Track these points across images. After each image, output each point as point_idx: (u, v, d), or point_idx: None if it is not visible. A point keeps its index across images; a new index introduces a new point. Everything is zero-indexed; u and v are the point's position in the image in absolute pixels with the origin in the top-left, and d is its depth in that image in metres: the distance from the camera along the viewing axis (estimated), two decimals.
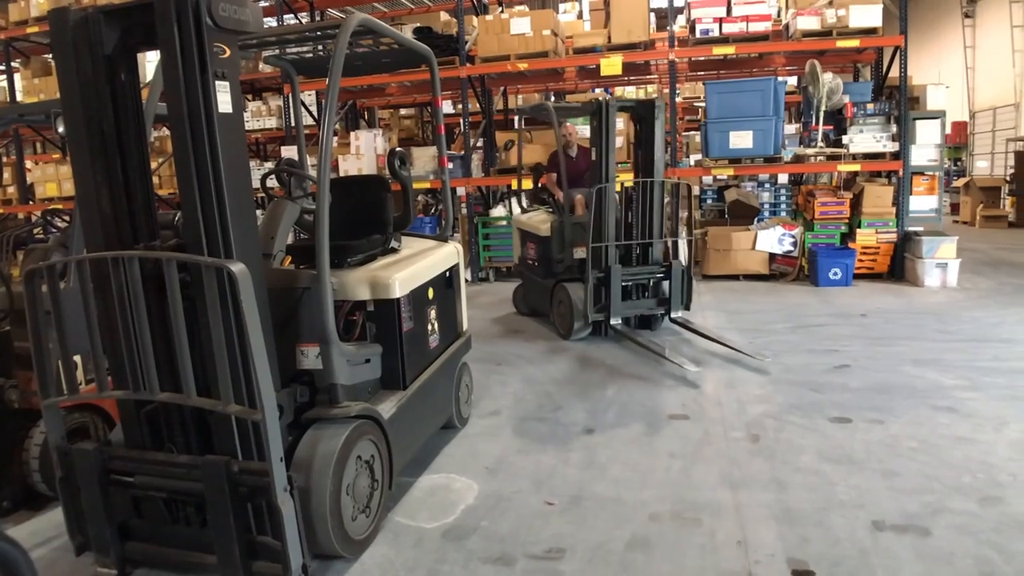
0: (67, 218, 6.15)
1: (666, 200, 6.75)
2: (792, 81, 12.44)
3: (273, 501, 2.52)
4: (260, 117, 12.08)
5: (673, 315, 6.37)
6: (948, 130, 13.79)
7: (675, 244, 6.73)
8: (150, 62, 9.72)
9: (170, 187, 10.93)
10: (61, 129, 3.31)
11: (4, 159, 13.15)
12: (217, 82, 2.53)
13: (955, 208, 15.81)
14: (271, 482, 2.50)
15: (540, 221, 7.10)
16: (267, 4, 11.74)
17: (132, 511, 2.88)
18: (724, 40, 8.85)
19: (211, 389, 2.61)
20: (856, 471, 3.65)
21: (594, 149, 6.56)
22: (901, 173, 8.63)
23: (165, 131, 10.05)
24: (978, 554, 2.88)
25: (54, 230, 6.40)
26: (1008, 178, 15.33)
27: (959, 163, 18.81)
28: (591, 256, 6.33)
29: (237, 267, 2.41)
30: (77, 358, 3.47)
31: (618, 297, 6.22)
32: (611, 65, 9.13)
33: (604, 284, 6.28)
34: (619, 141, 8.43)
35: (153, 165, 9.02)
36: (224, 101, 2.56)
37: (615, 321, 6.24)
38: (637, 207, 6.52)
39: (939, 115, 8.84)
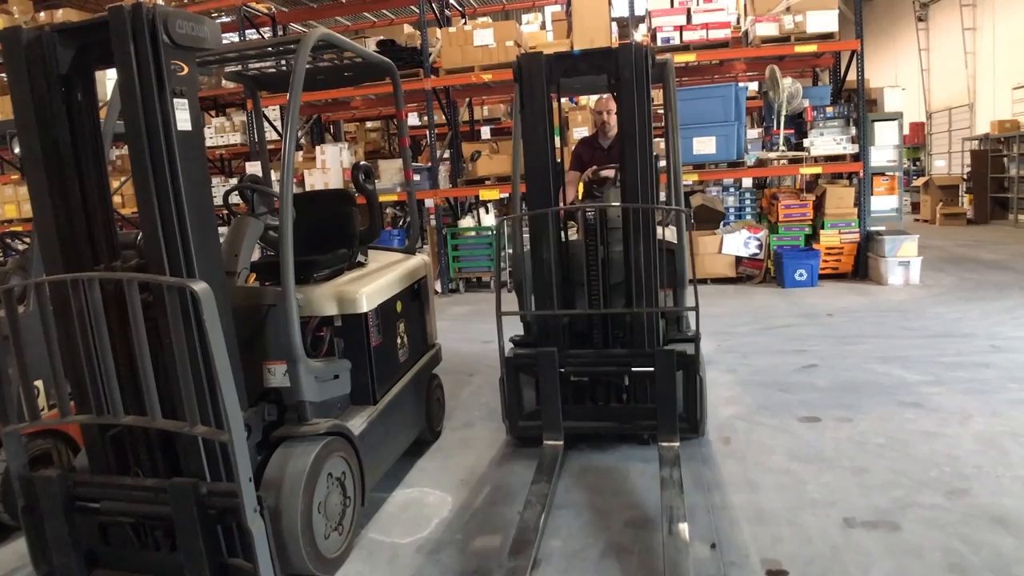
0: (27, 240, 6.03)
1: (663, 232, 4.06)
2: (753, 87, 12.62)
3: (243, 522, 2.48)
4: (224, 133, 11.98)
5: (662, 443, 3.67)
6: (906, 131, 14.12)
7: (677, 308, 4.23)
8: (110, 79, 9.60)
9: (133, 206, 10.79)
10: (18, 150, 3.25)
11: None
12: (175, 100, 2.50)
13: (915, 207, 16.19)
14: (241, 503, 2.46)
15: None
16: (229, 19, 11.67)
17: (99, 538, 2.82)
18: (685, 48, 8.97)
19: (177, 410, 2.57)
20: (826, 469, 3.70)
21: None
22: (862, 174, 8.81)
23: (127, 149, 9.91)
24: (947, 546, 2.93)
25: (13, 253, 6.27)
26: (965, 176, 15.73)
27: (918, 163, 19.24)
28: (535, 325, 4.12)
29: (199, 286, 2.37)
30: (38, 383, 3.40)
31: (554, 402, 3.79)
32: None
33: (535, 376, 3.86)
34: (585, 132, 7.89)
35: (115, 184, 8.90)
36: (183, 119, 2.54)
37: (550, 441, 3.82)
38: (601, 248, 3.96)
39: (896, 117, 9.04)
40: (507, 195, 11.37)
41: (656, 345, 3.81)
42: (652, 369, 3.69)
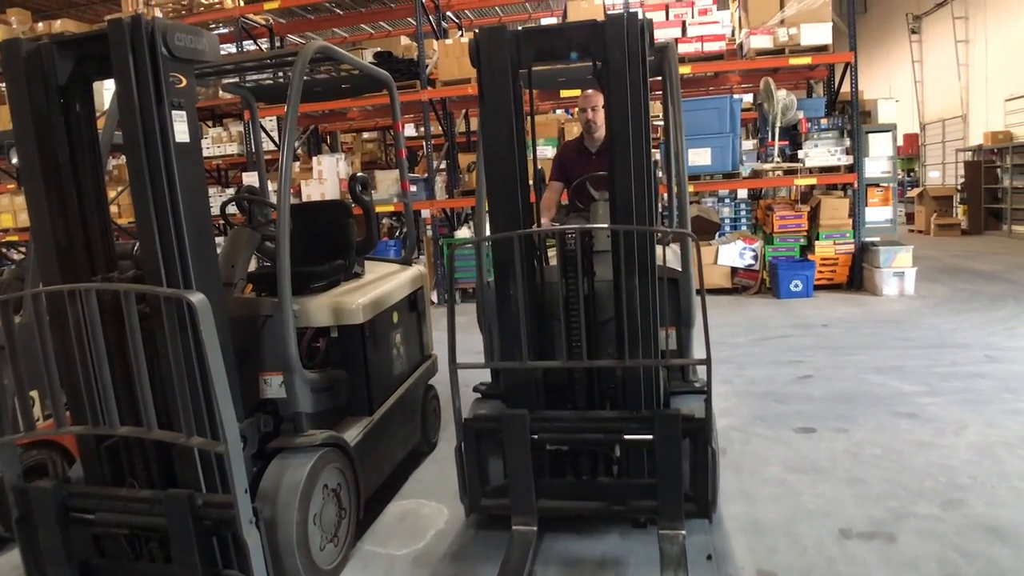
0: (23, 250, 6.02)
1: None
2: (747, 98, 12.70)
3: (239, 534, 2.47)
4: (221, 143, 11.98)
5: (663, 531, 2.91)
6: (900, 142, 14.17)
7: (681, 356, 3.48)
8: (108, 90, 9.62)
9: (129, 215, 10.78)
10: (15, 160, 3.26)
11: None
12: (173, 112, 2.51)
13: (910, 217, 16.26)
14: (236, 515, 2.46)
15: None
16: (226, 31, 11.70)
17: (93, 549, 2.81)
18: (680, 60, 9.01)
19: (173, 422, 2.57)
20: (822, 480, 3.70)
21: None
22: (856, 185, 8.85)
23: (124, 159, 9.92)
24: (942, 557, 2.93)
25: (10, 263, 6.28)
26: (959, 187, 15.81)
27: (912, 174, 19.31)
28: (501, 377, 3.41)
29: (196, 297, 2.38)
30: (34, 393, 3.40)
31: (525, 477, 2.99)
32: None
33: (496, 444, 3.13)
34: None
35: (112, 194, 8.91)
36: (181, 130, 2.55)
37: (520, 527, 3.04)
38: (584, 280, 3.06)
39: (890, 128, 9.09)
40: None
41: (656, 404, 3.02)
42: (651, 437, 2.91)
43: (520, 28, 3.04)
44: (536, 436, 2.98)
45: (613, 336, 3.08)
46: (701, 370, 3.04)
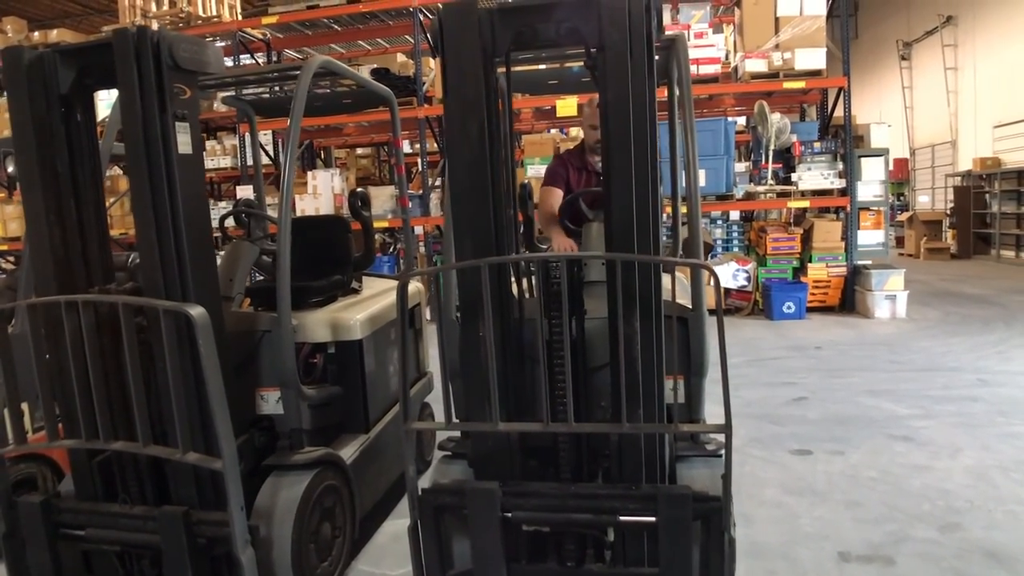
0: (11, 259, 5.96)
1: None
2: (741, 121, 12.78)
3: (234, 553, 2.43)
4: (215, 156, 11.96)
5: None
6: (891, 167, 14.31)
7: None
8: (101, 100, 9.59)
9: (121, 227, 10.71)
10: (11, 169, 3.23)
11: None
12: (177, 123, 2.50)
13: (900, 241, 16.38)
14: (232, 533, 2.42)
15: None
16: (223, 44, 11.71)
17: (83, 567, 2.76)
18: None
19: (168, 437, 2.53)
20: (819, 503, 3.68)
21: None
22: (848, 208, 8.91)
23: (117, 170, 9.89)
24: None
25: (1, 272, 6.20)
26: (948, 211, 15.96)
27: (902, 198, 19.50)
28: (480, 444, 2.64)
29: (196, 311, 2.35)
30: (24, 405, 3.34)
31: (495, 566, 2.41)
32: (567, 106, 9.27)
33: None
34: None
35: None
36: (184, 142, 2.54)
37: None
38: (573, 320, 2.49)
39: (882, 152, 9.18)
40: None
41: (660, 475, 2.46)
42: (653, 519, 2.32)
43: (497, 6, 2.43)
44: (509, 514, 2.41)
45: (607, 387, 2.51)
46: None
